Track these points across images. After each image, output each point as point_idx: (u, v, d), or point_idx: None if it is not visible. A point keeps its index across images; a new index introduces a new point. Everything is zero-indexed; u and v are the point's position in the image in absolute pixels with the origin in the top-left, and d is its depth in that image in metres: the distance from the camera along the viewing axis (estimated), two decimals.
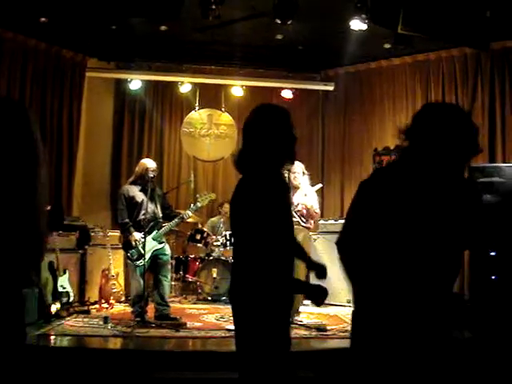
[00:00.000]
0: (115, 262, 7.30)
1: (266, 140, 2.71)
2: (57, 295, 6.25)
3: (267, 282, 2.64)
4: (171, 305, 6.34)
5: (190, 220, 7.16)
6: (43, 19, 6.97)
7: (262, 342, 2.66)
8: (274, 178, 2.77)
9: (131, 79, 8.65)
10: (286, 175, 6.10)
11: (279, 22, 6.41)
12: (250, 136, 2.77)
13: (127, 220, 6.13)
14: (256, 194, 2.65)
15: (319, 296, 2.76)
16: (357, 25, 6.57)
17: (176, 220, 6.25)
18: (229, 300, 2.86)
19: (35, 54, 7.76)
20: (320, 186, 6.84)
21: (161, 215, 6.24)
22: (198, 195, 6.75)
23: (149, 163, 6.30)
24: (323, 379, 4.43)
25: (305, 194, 6.27)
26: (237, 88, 8.88)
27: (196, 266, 8.01)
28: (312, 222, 6.39)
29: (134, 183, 6.28)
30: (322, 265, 2.95)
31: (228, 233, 7.84)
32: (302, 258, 3.00)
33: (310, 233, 6.67)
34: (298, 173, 6.25)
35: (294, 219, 6.08)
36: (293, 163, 2.97)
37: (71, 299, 6.51)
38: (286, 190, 2.92)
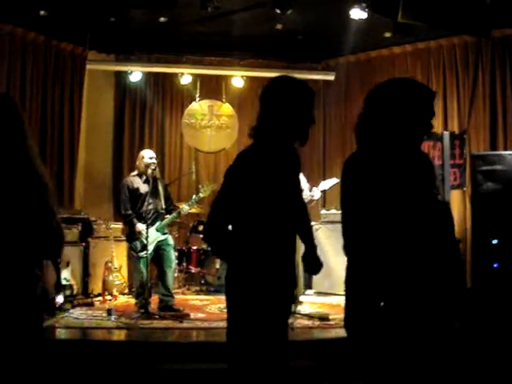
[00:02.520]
0: (118, 254, 7.33)
1: (283, 113, 2.63)
2: (60, 288, 6.27)
3: (264, 262, 2.61)
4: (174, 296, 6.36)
5: (192, 211, 7.17)
6: (42, 12, 6.95)
7: (256, 330, 2.60)
8: (283, 152, 2.69)
9: (131, 71, 8.62)
10: None
11: (279, 11, 6.39)
12: (266, 106, 2.68)
13: (130, 211, 6.15)
14: (257, 166, 2.61)
15: (316, 268, 2.83)
16: (357, 14, 6.55)
17: (173, 215, 6.26)
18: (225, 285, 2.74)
19: (35, 47, 7.73)
20: (336, 181, 6.34)
21: (164, 206, 6.25)
22: (200, 186, 6.76)
23: (145, 152, 6.40)
24: (326, 368, 4.45)
25: (314, 192, 6.21)
26: (237, 79, 8.85)
27: (199, 257, 8.04)
28: None
29: (137, 175, 6.31)
30: (319, 262, 2.87)
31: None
32: (307, 242, 2.91)
33: (313, 222, 6.66)
34: None
35: None
36: (303, 145, 2.80)
37: (75, 292, 6.53)
38: (294, 164, 2.80)
